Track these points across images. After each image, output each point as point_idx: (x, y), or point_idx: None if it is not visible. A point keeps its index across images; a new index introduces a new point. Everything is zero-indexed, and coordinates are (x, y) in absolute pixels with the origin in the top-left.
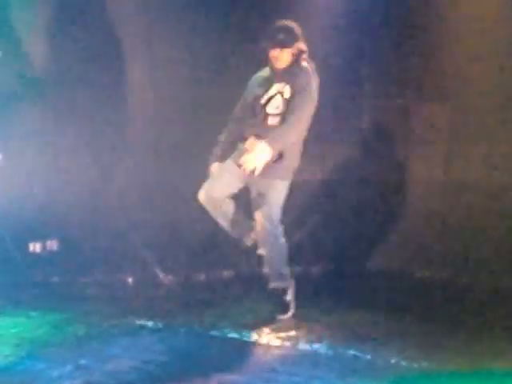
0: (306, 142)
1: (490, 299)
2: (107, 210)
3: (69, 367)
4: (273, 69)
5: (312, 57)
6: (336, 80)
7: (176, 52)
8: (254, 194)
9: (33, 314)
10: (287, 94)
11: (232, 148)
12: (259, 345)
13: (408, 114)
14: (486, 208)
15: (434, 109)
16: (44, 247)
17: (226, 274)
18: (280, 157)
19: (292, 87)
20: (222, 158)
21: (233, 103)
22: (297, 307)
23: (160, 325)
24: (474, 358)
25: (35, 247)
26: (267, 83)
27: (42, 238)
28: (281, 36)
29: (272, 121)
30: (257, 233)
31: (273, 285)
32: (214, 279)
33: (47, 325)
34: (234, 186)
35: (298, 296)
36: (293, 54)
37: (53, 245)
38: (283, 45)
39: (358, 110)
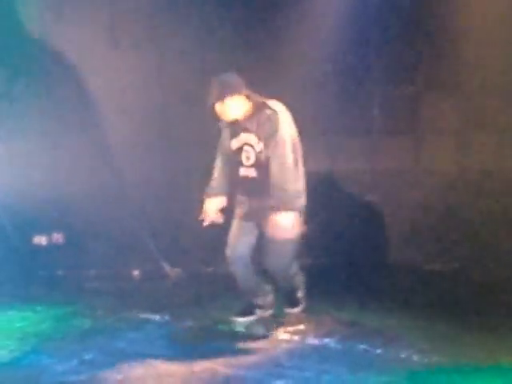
0: (317, 136)
1: (503, 292)
2: (113, 203)
3: (74, 362)
4: (230, 122)
5: (322, 46)
6: (346, 70)
7: (184, 47)
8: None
9: (38, 308)
10: (256, 145)
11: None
12: (267, 339)
13: (419, 103)
14: (498, 198)
15: (445, 98)
16: (49, 240)
17: None
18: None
19: (259, 137)
20: (218, 194)
21: None
22: (306, 301)
23: (166, 318)
24: (486, 351)
25: (40, 240)
26: (234, 133)
27: (46, 230)
28: (218, 89)
29: (247, 172)
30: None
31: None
32: (220, 272)
33: (52, 319)
34: (252, 240)
35: (307, 289)
36: (242, 103)
37: (58, 238)
38: (222, 96)
39: (369, 100)
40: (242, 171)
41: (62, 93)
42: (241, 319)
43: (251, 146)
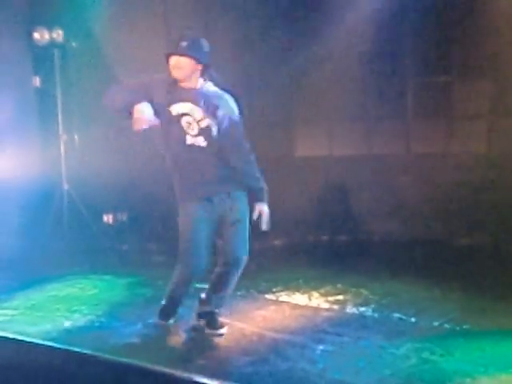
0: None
1: None
2: (171, 185)
3: (139, 325)
4: (176, 83)
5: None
6: (380, 58)
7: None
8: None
9: (107, 277)
10: (198, 117)
11: None
12: (309, 307)
13: (451, 90)
14: None
15: (476, 85)
16: (115, 218)
17: (278, 242)
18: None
19: (207, 112)
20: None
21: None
22: (344, 274)
23: None
24: None
25: (108, 218)
26: (176, 98)
27: (113, 210)
28: (183, 43)
29: (194, 141)
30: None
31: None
32: (267, 248)
33: (120, 287)
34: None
35: (345, 263)
36: (196, 69)
37: (123, 216)
38: (184, 53)
39: (402, 87)
40: (189, 139)
41: None
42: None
43: (192, 117)
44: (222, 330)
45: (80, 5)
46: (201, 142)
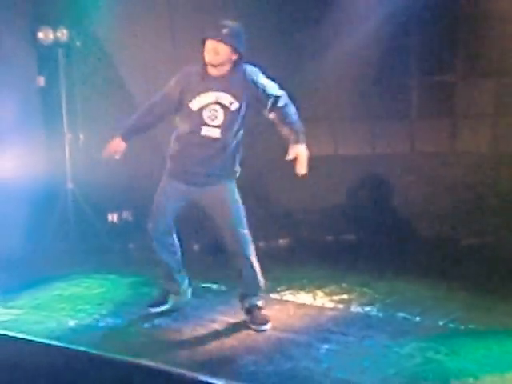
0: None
1: None
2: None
3: (144, 324)
4: (206, 72)
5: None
6: (385, 58)
7: None
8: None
9: (111, 276)
10: (228, 103)
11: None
12: (314, 307)
13: (455, 89)
14: None
15: (480, 84)
16: (120, 217)
17: (282, 241)
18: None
19: (236, 97)
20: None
21: None
22: (349, 273)
23: (223, 288)
24: None
25: (113, 217)
26: (199, 86)
27: (118, 209)
28: (224, 30)
29: (209, 132)
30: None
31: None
32: (271, 247)
33: (125, 287)
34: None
35: (349, 263)
36: (231, 58)
37: (128, 215)
38: (224, 40)
39: (407, 87)
40: (204, 131)
41: (133, 87)
42: (155, 309)
43: (222, 105)
44: (265, 326)
45: (85, 4)
46: (216, 133)
